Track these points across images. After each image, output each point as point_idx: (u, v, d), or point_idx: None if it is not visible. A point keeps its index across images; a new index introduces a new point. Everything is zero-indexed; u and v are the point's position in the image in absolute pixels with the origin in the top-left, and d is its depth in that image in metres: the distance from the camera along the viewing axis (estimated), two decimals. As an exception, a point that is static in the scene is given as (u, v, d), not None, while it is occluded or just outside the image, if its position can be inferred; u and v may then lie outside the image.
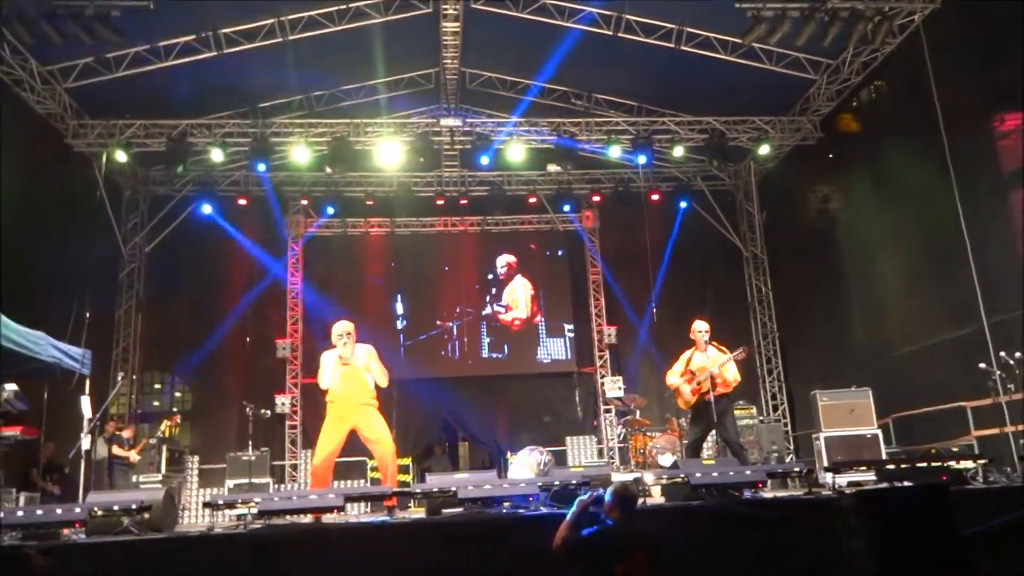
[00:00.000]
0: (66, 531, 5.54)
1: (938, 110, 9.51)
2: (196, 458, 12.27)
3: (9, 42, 9.38)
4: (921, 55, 9.89)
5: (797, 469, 6.75)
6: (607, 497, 4.22)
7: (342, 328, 7.46)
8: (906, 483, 5.94)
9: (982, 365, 7.71)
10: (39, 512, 5.53)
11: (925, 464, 6.21)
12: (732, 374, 8.16)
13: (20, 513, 5.50)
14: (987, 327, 8.79)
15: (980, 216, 9.24)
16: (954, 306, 9.69)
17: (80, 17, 8.63)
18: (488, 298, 14.37)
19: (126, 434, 11.25)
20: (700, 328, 8.45)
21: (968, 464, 6.10)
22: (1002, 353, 7.76)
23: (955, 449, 6.94)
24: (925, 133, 9.69)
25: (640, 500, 4.97)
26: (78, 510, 5.48)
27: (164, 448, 11.57)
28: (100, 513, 5.43)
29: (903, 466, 6.47)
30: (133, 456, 10.79)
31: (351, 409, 7.31)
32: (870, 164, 11.73)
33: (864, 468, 6.77)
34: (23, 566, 3.69)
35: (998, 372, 7.65)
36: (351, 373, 7.35)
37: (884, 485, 5.98)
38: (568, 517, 4.30)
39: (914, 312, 10.85)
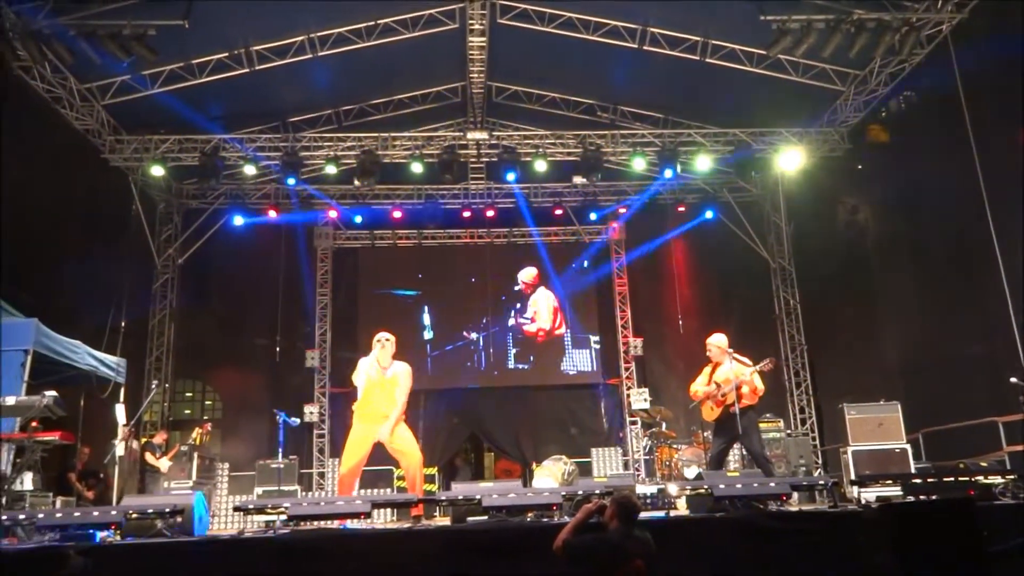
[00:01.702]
0: (102, 533, 5.71)
1: (967, 120, 9.45)
2: (226, 465, 12.49)
3: (50, 61, 9.69)
4: (950, 65, 9.86)
5: (822, 482, 6.72)
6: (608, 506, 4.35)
7: (383, 335, 7.67)
8: (932, 497, 5.89)
9: (1013, 380, 7.62)
10: (76, 514, 5.71)
11: (952, 479, 6.17)
12: (758, 384, 8.13)
13: (59, 515, 5.68)
14: (1019, 341, 8.70)
15: (1011, 228, 9.14)
16: (985, 319, 9.59)
17: (117, 36, 8.91)
18: (514, 311, 14.47)
19: (157, 440, 11.51)
20: (715, 342, 8.42)
21: (997, 479, 6.04)
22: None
23: (984, 464, 6.86)
24: (955, 144, 9.62)
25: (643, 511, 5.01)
26: (114, 513, 5.66)
27: (195, 455, 11.80)
28: (135, 516, 5.60)
29: (930, 480, 6.43)
30: (163, 465, 11.02)
31: (377, 420, 7.41)
32: (899, 174, 11.66)
33: (890, 482, 6.71)
34: (62, 565, 3.85)
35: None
36: (381, 384, 7.50)
37: (910, 499, 5.94)
38: (571, 521, 4.45)
39: (945, 325, 10.73)
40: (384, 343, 7.56)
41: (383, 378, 7.50)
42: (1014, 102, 9.09)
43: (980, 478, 6.06)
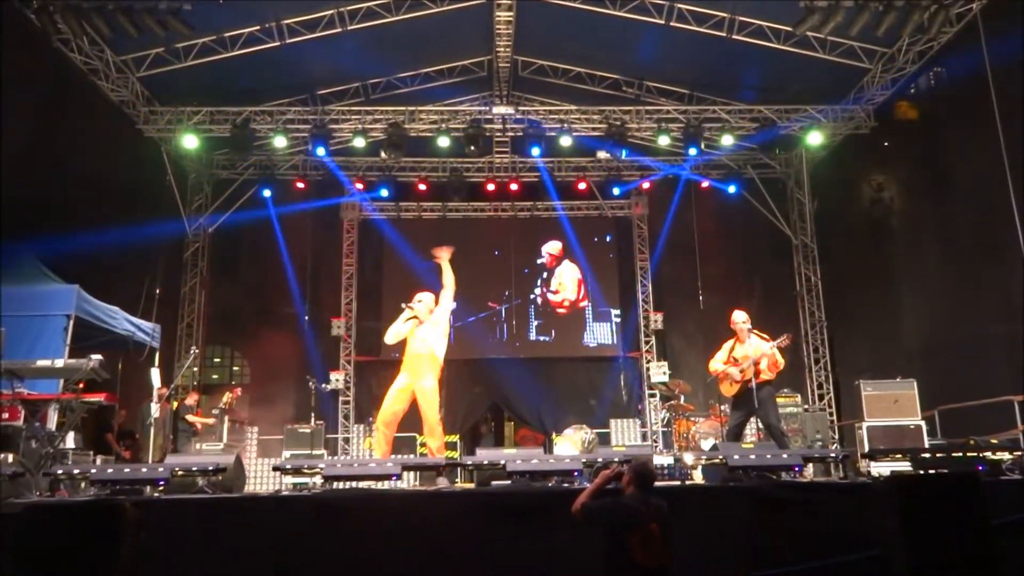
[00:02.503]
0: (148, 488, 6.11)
1: (994, 101, 9.48)
2: (255, 429, 12.95)
3: (88, 34, 9.97)
4: (980, 45, 9.85)
5: (833, 454, 6.96)
6: (626, 472, 4.59)
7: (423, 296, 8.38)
8: (940, 471, 6.11)
9: (1028, 359, 7.77)
10: (127, 470, 6.11)
11: (961, 454, 6.38)
12: (778, 359, 8.33)
13: (110, 471, 6.09)
14: (1037, 321, 8.82)
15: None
16: (1005, 299, 9.69)
17: (155, 11, 9.17)
18: (540, 282, 14.72)
19: (189, 402, 11.96)
20: (739, 319, 8.61)
21: (1005, 455, 6.24)
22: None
23: (994, 441, 7.06)
24: (982, 123, 9.65)
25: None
26: (161, 470, 6.05)
27: (226, 419, 12.26)
28: (180, 473, 5.99)
29: (939, 455, 6.65)
30: (210, 420, 11.42)
31: (416, 371, 7.92)
32: (925, 153, 11.70)
33: (900, 456, 6.94)
34: (119, 516, 4.19)
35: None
36: (424, 334, 8.03)
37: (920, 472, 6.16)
38: (590, 486, 4.71)
39: (965, 304, 10.84)
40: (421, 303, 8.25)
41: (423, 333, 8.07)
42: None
43: (988, 454, 6.27)
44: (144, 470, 6.15)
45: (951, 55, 10.89)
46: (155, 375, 10.47)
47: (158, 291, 11.61)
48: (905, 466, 7.15)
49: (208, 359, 15.09)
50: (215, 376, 15.46)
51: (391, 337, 8.17)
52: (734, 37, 11.20)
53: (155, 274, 11.73)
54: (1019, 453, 6.29)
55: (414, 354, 8.01)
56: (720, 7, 11.00)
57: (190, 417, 11.35)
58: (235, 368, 15.58)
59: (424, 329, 8.14)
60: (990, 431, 9.34)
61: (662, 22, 11.17)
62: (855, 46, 11.21)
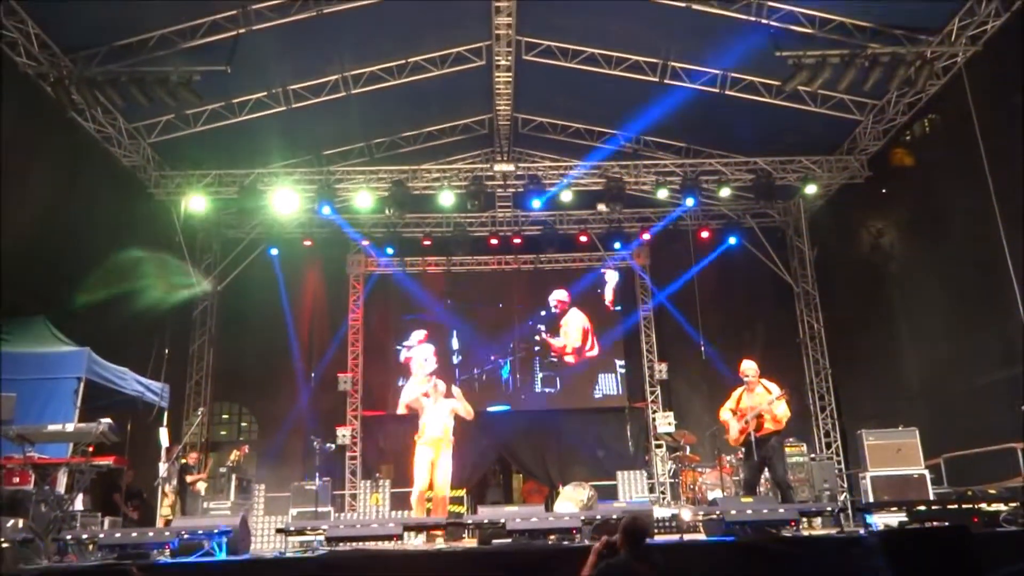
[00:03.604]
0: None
1: (982, 150, 9.73)
2: (262, 486, 13.02)
3: (101, 103, 10.41)
4: (966, 95, 10.14)
5: (829, 509, 7.04)
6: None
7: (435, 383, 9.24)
8: (932, 524, 6.18)
9: (1025, 407, 7.87)
10: (134, 534, 6.26)
11: (957, 506, 6.45)
12: (782, 411, 8.42)
13: (118, 535, 6.23)
14: (1034, 368, 8.91)
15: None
16: (1005, 345, 9.78)
17: (165, 82, 9.60)
18: (542, 327, 14.92)
19: (190, 461, 12.04)
20: (748, 368, 8.73)
21: (1001, 507, 6.31)
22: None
23: (992, 491, 7.11)
24: (973, 171, 9.89)
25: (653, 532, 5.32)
26: (167, 533, 6.19)
27: (233, 477, 12.37)
28: (186, 536, 6.13)
29: (935, 507, 6.72)
30: (200, 486, 11.50)
31: (434, 444, 8.73)
32: (921, 200, 11.92)
33: (895, 509, 7.01)
34: (126, 582, 4.35)
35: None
36: (437, 413, 8.83)
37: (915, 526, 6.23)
38: (587, 565, 4.73)
39: (967, 351, 10.93)
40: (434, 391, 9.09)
41: (439, 408, 8.89)
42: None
43: (985, 505, 6.33)
44: (151, 534, 6.30)
45: (942, 103, 11.18)
46: (163, 435, 10.67)
47: (167, 351, 11.86)
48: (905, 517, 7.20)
49: (216, 415, 15.26)
50: (223, 432, 15.61)
51: (405, 401, 9.05)
52: (727, 93, 11.56)
53: (164, 334, 12.00)
54: (1015, 504, 6.35)
55: (432, 437, 8.81)
56: (712, 64, 11.39)
57: (188, 478, 11.46)
58: (243, 424, 15.75)
59: (438, 410, 8.88)
60: (995, 478, 9.38)
61: (656, 80, 11.56)
62: (846, 99, 11.55)
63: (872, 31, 9.98)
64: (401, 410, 9.20)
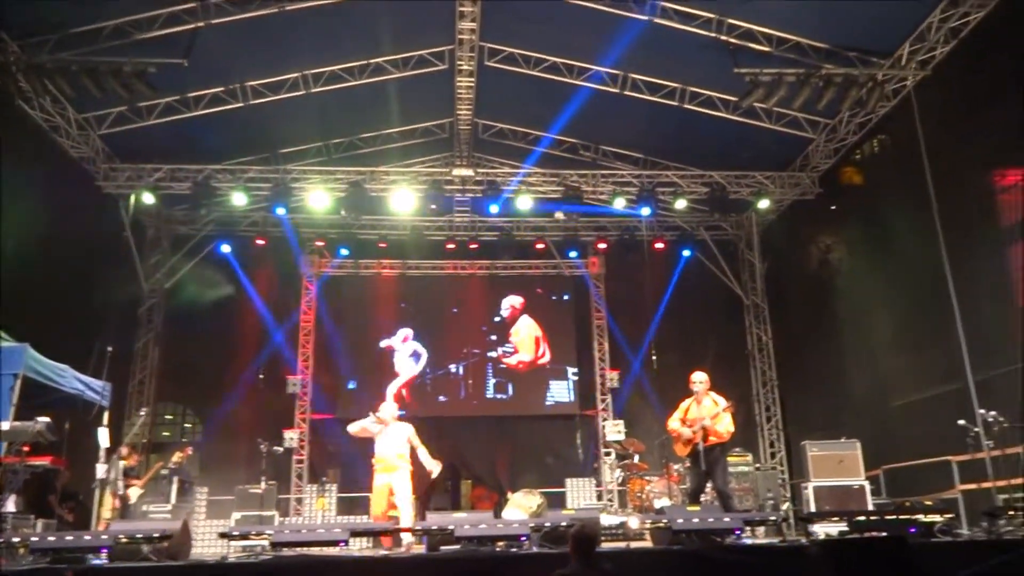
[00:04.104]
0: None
1: (927, 173, 10.07)
2: (205, 489, 12.74)
3: (50, 92, 10.10)
4: (922, 113, 10.46)
5: (772, 518, 7.18)
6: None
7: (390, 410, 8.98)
8: (872, 534, 6.35)
9: (961, 422, 8.12)
10: (69, 538, 6.06)
11: (895, 516, 6.64)
12: (724, 426, 8.51)
13: (51, 538, 6.02)
14: (972, 384, 9.23)
15: (970, 273, 9.70)
16: (945, 361, 10.10)
17: (118, 73, 9.36)
18: (494, 342, 14.91)
19: (130, 463, 11.70)
20: (698, 379, 8.81)
21: (937, 518, 6.51)
22: (981, 410, 8.17)
23: (928, 503, 7.34)
24: (918, 191, 10.22)
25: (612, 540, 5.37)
26: (104, 537, 6.01)
27: (175, 479, 12.07)
28: (124, 540, 5.95)
29: (874, 518, 6.90)
30: (133, 493, 11.14)
31: (389, 469, 8.49)
32: (869, 218, 12.25)
33: (836, 519, 7.18)
34: (60, 587, 4.21)
35: (977, 429, 8.06)
36: (391, 438, 8.62)
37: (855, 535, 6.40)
38: None
39: (908, 365, 11.28)
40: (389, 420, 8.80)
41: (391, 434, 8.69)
42: (975, 151, 9.72)
43: (922, 516, 6.53)
44: (87, 537, 6.10)
45: (892, 124, 11.52)
46: (103, 435, 10.33)
47: (110, 348, 11.53)
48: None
49: (159, 416, 14.90)
50: (166, 434, 15.25)
51: (354, 430, 8.83)
52: (685, 106, 11.74)
53: (108, 331, 11.66)
54: (950, 515, 6.56)
55: (385, 463, 8.55)
56: (672, 78, 11.56)
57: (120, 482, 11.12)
58: (187, 425, 15.41)
59: (390, 435, 8.68)
60: (931, 490, 9.69)
61: (617, 91, 11.69)
62: (799, 117, 11.82)
63: (827, 52, 10.25)
64: (354, 429, 8.84)
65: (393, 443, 8.60)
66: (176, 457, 12.07)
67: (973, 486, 8.85)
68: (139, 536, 6.02)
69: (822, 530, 8.09)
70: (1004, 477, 8.09)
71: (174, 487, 11.94)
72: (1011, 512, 6.59)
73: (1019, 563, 5.13)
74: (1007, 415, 7.87)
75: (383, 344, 14.66)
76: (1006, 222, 10.10)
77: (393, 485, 8.38)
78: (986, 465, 8.34)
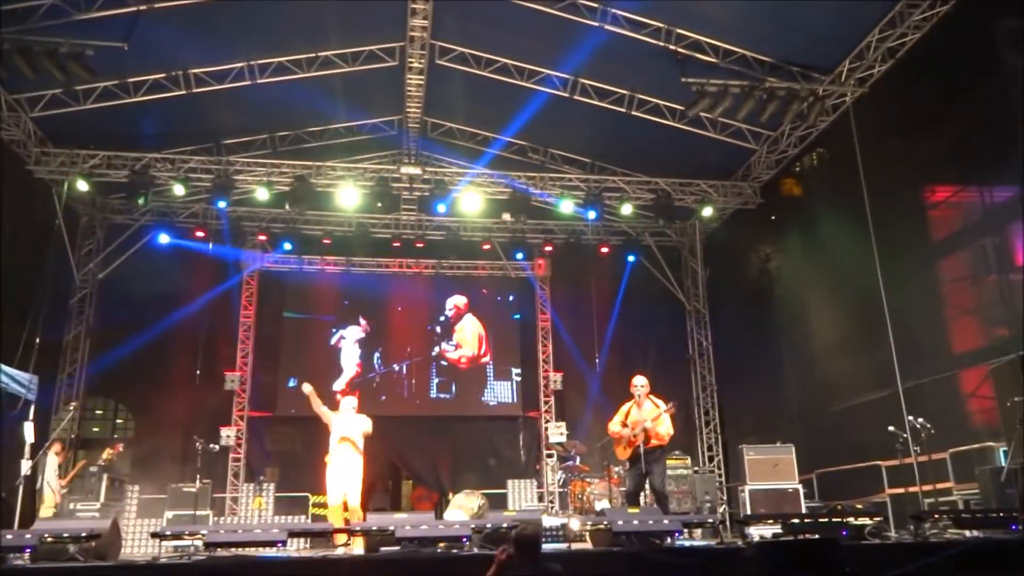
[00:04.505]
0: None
1: (863, 187, 10.40)
2: (136, 487, 12.33)
3: (-22, 71, 9.66)
4: (851, 133, 10.82)
5: (711, 520, 7.32)
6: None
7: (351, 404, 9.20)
8: (805, 536, 6.52)
9: (891, 428, 8.42)
10: (-11, 537, 5.78)
11: (828, 519, 6.84)
12: (665, 428, 8.66)
13: (-31, 538, 5.73)
14: (901, 391, 9.57)
15: (901, 285, 10.06)
16: (877, 368, 10.46)
17: (54, 54, 9.00)
18: (438, 338, 14.84)
19: (58, 459, 11.30)
20: (639, 383, 8.93)
21: (867, 521, 6.73)
22: (910, 417, 8.49)
23: (859, 506, 7.58)
24: (855, 204, 10.55)
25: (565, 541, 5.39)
26: (28, 536, 5.75)
27: (104, 476, 11.66)
28: (49, 540, 5.71)
29: (807, 520, 7.09)
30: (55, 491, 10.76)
31: (346, 454, 8.68)
32: (807, 229, 12.61)
33: (771, 521, 7.36)
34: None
35: (905, 435, 8.38)
36: (350, 425, 8.80)
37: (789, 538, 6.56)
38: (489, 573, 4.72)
39: (842, 372, 11.65)
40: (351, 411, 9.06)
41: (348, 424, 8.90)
42: (909, 168, 10.10)
43: (853, 519, 6.74)
44: (9, 536, 5.83)
45: (830, 138, 11.87)
46: (29, 429, 9.93)
47: (38, 340, 11.09)
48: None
49: (89, 411, 14.38)
50: (95, 429, 14.72)
51: (315, 405, 9.06)
52: (633, 113, 11.88)
53: (36, 321, 11.21)
54: (879, 519, 6.79)
55: (341, 454, 8.72)
56: (620, 84, 11.68)
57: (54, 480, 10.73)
58: (118, 421, 14.90)
59: (347, 426, 8.86)
60: (862, 494, 10.02)
61: (566, 95, 11.76)
62: (743, 128, 12.08)
63: (771, 66, 10.52)
64: (315, 404, 8.96)
65: (352, 430, 8.77)
66: (106, 454, 11.67)
67: (901, 490, 9.20)
68: (66, 535, 5.79)
69: (757, 532, 8.28)
70: (930, 481, 8.46)
71: (103, 484, 11.54)
72: (936, 516, 6.85)
73: (943, 565, 5.33)
74: (933, 422, 8.22)
75: (335, 339, 14.47)
76: (936, 237, 10.57)
77: (346, 477, 8.48)
78: (914, 470, 8.70)
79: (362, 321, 14.59)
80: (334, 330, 14.51)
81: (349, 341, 14.51)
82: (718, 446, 14.21)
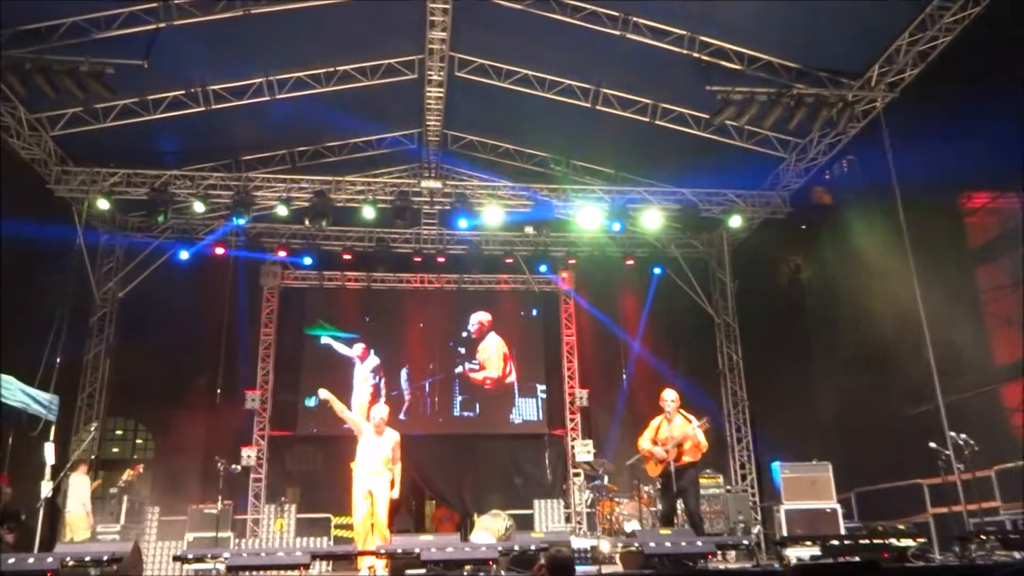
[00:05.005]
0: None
1: (897, 195, 10.24)
2: (156, 509, 12.40)
3: (0, 90, 9.85)
4: (883, 139, 10.68)
5: (746, 542, 7.19)
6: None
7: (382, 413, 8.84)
8: (846, 559, 6.38)
9: (932, 444, 8.24)
10: (11, 560, 5.82)
11: (868, 541, 6.69)
12: (698, 444, 8.53)
13: (-9, 561, 5.78)
14: (942, 405, 9.37)
15: (939, 295, 9.88)
16: (915, 381, 10.25)
17: (74, 73, 9.15)
18: (461, 358, 14.80)
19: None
20: (669, 397, 8.83)
21: (910, 543, 6.57)
22: (952, 433, 8.30)
23: (901, 527, 7.41)
24: (888, 212, 10.40)
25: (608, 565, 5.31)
26: (50, 560, 5.78)
27: (124, 498, 11.76)
28: (71, 564, 5.73)
29: (848, 542, 6.94)
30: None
31: (374, 473, 8.47)
32: (838, 238, 12.44)
33: (809, 543, 7.22)
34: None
35: (948, 452, 8.18)
36: (379, 441, 8.59)
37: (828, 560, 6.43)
38: None
39: (879, 385, 11.42)
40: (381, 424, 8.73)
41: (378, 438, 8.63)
42: (945, 175, 9.94)
43: (895, 540, 6.59)
44: (31, 560, 5.86)
45: (861, 145, 11.73)
46: (49, 450, 10.03)
47: (58, 359, 11.21)
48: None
49: (109, 431, 14.52)
50: (115, 450, 14.89)
51: (342, 413, 8.83)
52: (657, 123, 11.84)
53: (57, 341, 11.34)
54: (923, 540, 6.62)
55: (371, 467, 8.52)
56: (644, 94, 11.65)
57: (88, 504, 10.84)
58: (138, 442, 15.06)
59: (380, 440, 8.65)
60: (903, 514, 9.80)
61: (588, 105, 11.74)
62: (771, 136, 11.98)
63: (798, 72, 10.43)
64: (343, 414, 8.80)
65: (379, 449, 8.56)
66: (126, 475, 11.80)
67: (944, 510, 8.99)
68: (87, 559, 5.81)
69: (795, 555, 8.12)
70: (975, 500, 8.25)
71: (124, 506, 11.66)
72: (982, 536, 6.67)
73: (992, 588, 5.19)
74: (977, 438, 8.03)
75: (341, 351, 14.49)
76: (973, 244, 10.39)
77: (374, 489, 8.33)
78: (957, 488, 8.49)
79: (358, 347, 14.58)
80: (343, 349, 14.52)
81: (362, 371, 14.53)
82: (751, 464, 14.02)
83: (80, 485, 10.89)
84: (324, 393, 8.76)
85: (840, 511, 9.98)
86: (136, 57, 9.42)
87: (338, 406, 8.73)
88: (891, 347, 11.16)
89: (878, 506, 10.64)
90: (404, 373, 14.56)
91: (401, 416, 14.24)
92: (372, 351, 14.60)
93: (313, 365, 14.44)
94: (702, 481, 11.05)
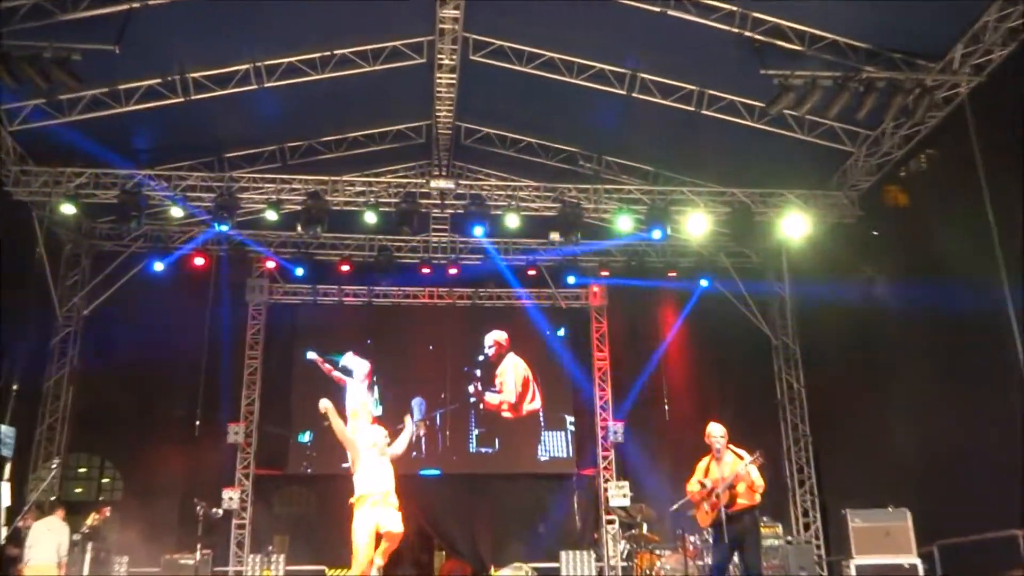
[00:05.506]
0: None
1: (985, 194, 10.17)
2: (125, 559, 12.51)
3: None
4: (968, 130, 10.62)
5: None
6: None
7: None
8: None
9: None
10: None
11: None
12: (755, 484, 8.43)
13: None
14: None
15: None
16: (1009, 414, 10.13)
17: (36, 60, 9.35)
18: (476, 379, 14.85)
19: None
20: (716, 433, 8.68)
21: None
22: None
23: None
24: (975, 213, 10.31)
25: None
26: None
27: (89, 546, 11.85)
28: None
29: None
30: None
31: (381, 502, 8.20)
32: (916, 245, 12.35)
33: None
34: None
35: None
36: (383, 467, 8.34)
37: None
38: None
39: (965, 418, 11.28)
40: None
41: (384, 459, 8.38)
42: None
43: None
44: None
45: (943, 136, 11.68)
46: (4, 491, 10.19)
47: (15, 387, 11.40)
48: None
49: (72, 469, 14.69)
50: (78, 490, 15.04)
51: (342, 431, 8.58)
52: (703, 112, 11.87)
53: (13, 366, 11.53)
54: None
55: (378, 495, 8.27)
56: (688, 79, 11.69)
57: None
58: (104, 481, 15.19)
59: (384, 464, 8.44)
60: (994, 569, 9.65)
61: (624, 92, 11.81)
62: (836, 127, 11.96)
63: (868, 53, 10.43)
64: (341, 434, 8.49)
65: (385, 474, 8.30)
66: (91, 519, 11.86)
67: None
68: (46, 613, 5.89)
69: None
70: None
71: (87, 555, 11.74)
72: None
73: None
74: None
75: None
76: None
77: (382, 523, 8.05)
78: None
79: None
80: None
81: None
82: (815, 511, 13.91)
83: (59, 530, 10.91)
84: (325, 404, 8.50)
85: (921, 566, 9.87)
86: (106, 42, 9.59)
87: (337, 423, 8.51)
88: (980, 372, 11.03)
89: (966, 561, 10.49)
90: (417, 405, 14.53)
91: (412, 454, 14.30)
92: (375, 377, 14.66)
93: (305, 393, 14.51)
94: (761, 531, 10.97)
